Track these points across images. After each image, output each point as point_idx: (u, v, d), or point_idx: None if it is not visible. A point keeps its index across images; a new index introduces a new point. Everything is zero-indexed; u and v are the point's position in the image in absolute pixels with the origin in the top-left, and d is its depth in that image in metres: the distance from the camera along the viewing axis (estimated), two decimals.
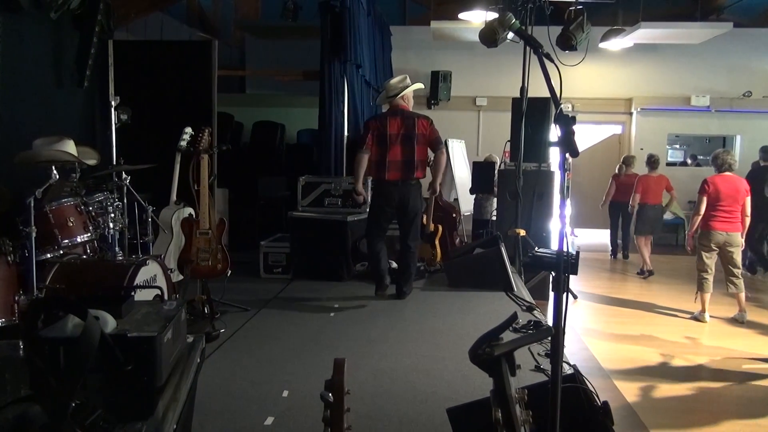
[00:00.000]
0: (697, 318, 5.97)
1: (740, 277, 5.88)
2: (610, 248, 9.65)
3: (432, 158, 5.07)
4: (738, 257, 5.88)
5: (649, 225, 8.05)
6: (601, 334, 5.61)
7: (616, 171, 9.28)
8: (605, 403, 2.38)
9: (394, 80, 5.09)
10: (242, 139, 10.60)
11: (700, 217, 5.89)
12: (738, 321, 5.87)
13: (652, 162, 8.18)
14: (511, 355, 1.77)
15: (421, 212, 5.15)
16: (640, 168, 8.86)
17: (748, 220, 5.89)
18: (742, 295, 5.91)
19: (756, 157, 8.66)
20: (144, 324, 2.01)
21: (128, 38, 7.16)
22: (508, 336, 1.82)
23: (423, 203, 5.14)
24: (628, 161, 9.08)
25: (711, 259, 5.92)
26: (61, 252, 3.60)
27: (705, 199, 5.84)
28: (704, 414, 3.89)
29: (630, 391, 4.17)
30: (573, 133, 1.83)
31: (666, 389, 4.25)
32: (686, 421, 3.80)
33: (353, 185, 5.04)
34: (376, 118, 5.20)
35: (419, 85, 5.19)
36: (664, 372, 4.59)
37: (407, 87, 5.00)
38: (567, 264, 1.85)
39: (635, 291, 7.34)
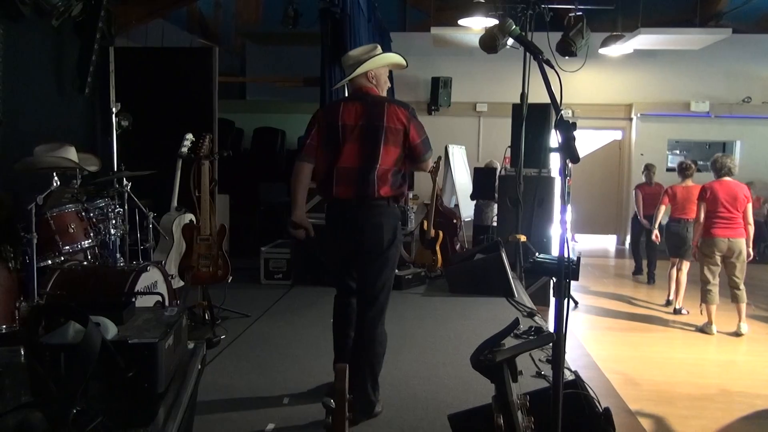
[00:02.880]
0: (704, 330, 5.75)
1: (742, 288, 5.66)
2: (634, 265, 8.58)
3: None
4: (742, 266, 5.65)
5: (684, 244, 6.52)
6: (603, 340, 5.60)
7: (644, 179, 8.28)
8: (606, 409, 2.38)
9: (356, 50, 3.22)
10: (243, 146, 10.63)
11: (701, 225, 5.74)
12: (737, 333, 5.67)
13: (685, 170, 6.84)
14: (512, 361, 1.77)
15: (395, 253, 3.10)
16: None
17: (751, 229, 5.68)
18: (743, 306, 5.69)
19: (756, 161, 8.63)
20: (145, 330, 2.01)
21: (129, 45, 7.17)
22: (509, 342, 1.83)
23: (398, 237, 3.09)
24: (652, 168, 8.23)
25: (715, 269, 5.72)
26: (62, 258, 3.60)
27: (703, 205, 5.69)
28: (707, 420, 3.88)
29: (632, 397, 4.16)
30: (573, 138, 1.83)
31: (668, 396, 4.24)
32: (688, 428, 3.79)
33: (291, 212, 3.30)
34: (325, 107, 3.37)
35: (394, 57, 3.24)
36: (667, 378, 4.58)
37: (374, 58, 3.11)
38: (568, 270, 1.85)
39: (637, 298, 7.32)
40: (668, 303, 6.80)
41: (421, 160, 3.12)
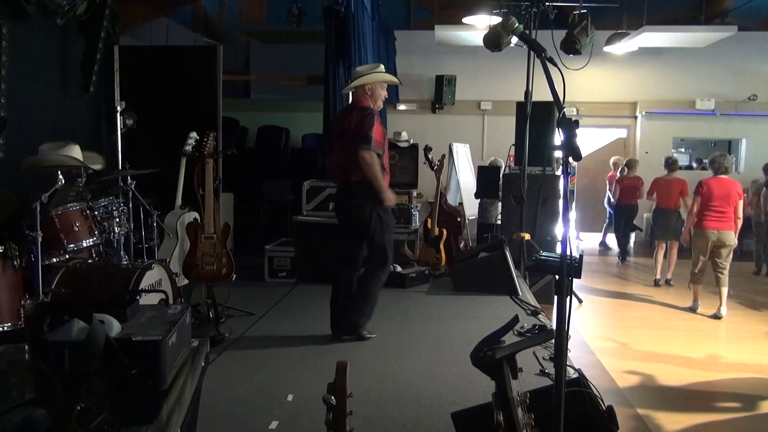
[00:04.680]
0: (691, 308, 6.35)
1: (726, 273, 6.14)
2: (618, 251, 9.53)
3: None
4: (728, 254, 6.13)
5: (662, 230, 7.61)
6: (607, 338, 5.59)
7: (618, 174, 9.39)
8: (610, 407, 2.38)
9: (362, 66, 4.16)
10: (247, 144, 10.64)
11: (693, 216, 6.22)
12: (716, 316, 6.10)
13: (670, 164, 7.70)
14: (512, 358, 1.77)
15: (378, 225, 4.01)
16: (640, 170, 9.04)
17: (740, 222, 6.16)
18: (725, 290, 6.15)
19: (762, 159, 8.65)
20: (149, 328, 2.02)
21: (134, 44, 7.19)
22: (511, 340, 1.82)
23: (376, 212, 3.98)
24: (631, 164, 9.17)
25: (704, 257, 6.20)
26: (67, 256, 3.61)
27: (698, 199, 6.14)
28: (713, 419, 3.88)
29: (636, 395, 4.16)
30: (575, 136, 1.83)
31: (673, 395, 4.23)
32: (694, 427, 3.78)
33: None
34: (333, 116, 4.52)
35: (388, 76, 4.13)
36: (672, 376, 4.57)
37: (371, 74, 4.00)
38: (571, 268, 1.85)
39: (641, 296, 7.30)
40: (656, 283, 7.61)
41: (357, 149, 3.85)
